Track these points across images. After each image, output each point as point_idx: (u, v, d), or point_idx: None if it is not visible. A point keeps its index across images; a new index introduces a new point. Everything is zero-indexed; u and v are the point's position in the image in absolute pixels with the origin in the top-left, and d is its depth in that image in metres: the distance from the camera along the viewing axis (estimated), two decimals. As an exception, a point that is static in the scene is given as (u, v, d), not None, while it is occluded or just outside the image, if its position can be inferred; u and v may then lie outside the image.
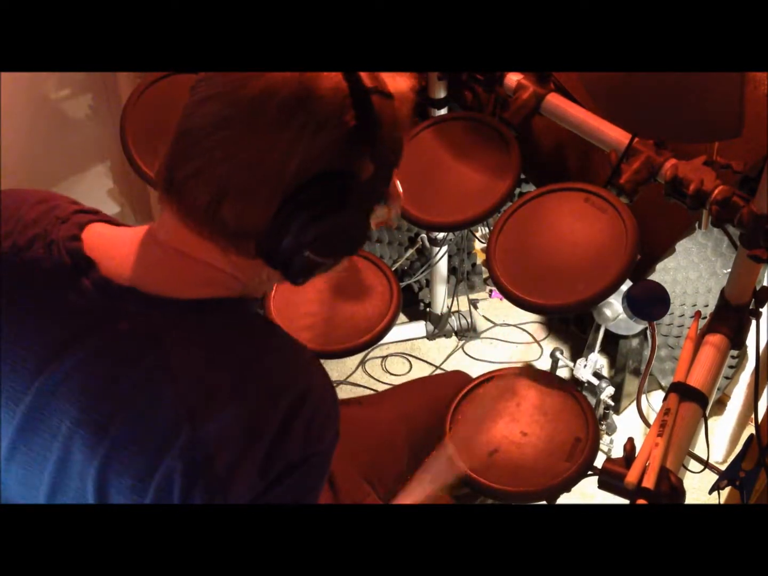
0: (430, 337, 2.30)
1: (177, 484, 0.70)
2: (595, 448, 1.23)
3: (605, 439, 1.94)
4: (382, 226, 2.09)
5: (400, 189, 0.82)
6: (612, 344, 2.07)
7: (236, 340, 0.76)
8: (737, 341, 1.32)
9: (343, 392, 2.12)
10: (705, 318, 1.39)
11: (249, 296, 0.80)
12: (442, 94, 1.72)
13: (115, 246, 0.78)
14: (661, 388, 2.06)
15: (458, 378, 1.43)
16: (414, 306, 2.34)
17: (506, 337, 2.29)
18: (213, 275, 0.77)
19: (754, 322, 1.31)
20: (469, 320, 2.28)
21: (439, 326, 2.28)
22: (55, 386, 0.75)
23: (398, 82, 0.75)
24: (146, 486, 0.72)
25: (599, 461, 1.20)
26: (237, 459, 0.71)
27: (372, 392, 2.11)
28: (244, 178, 0.70)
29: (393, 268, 1.57)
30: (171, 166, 0.73)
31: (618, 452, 1.19)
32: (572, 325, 2.26)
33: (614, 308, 1.85)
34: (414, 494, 1.05)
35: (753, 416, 1.32)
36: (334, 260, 0.79)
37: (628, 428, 2.02)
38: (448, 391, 1.36)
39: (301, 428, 0.73)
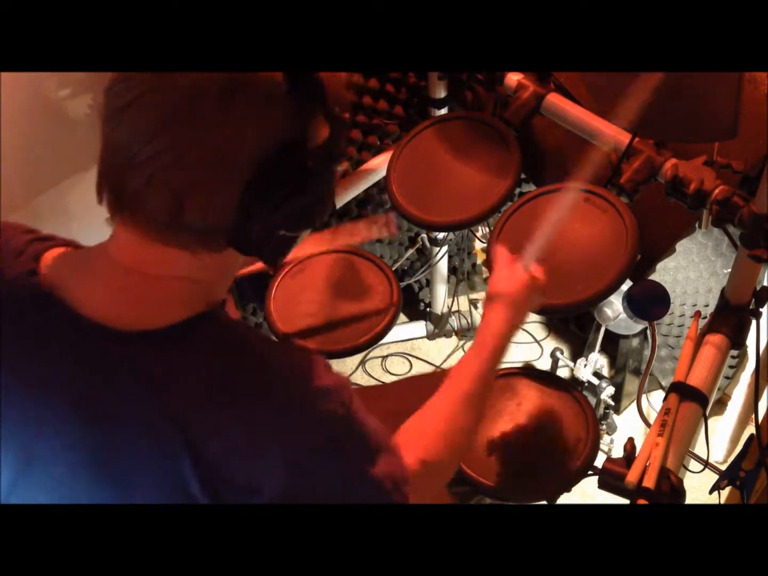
0: (430, 337, 2.30)
1: (200, 496, 0.70)
2: (595, 448, 1.24)
3: (605, 439, 1.94)
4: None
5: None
6: (612, 344, 2.07)
7: (218, 358, 0.73)
8: (737, 341, 1.32)
9: (344, 392, 2.12)
10: (705, 318, 1.39)
11: (214, 302, 0.77)
12: (442, 93, 1.72)
13: (76, 275, 0.75)
14: (662, 387, 2.06)
15: None
16: (414, 306, 2.34)
17: (506, 337, 2.28)
18: (180, 290, 0.74)
19: (754, 322, 1.31)
20: (469, 320, 2.28)
21: (439, 326, 2.28)
22: (47, 427, 0.73)
23: None
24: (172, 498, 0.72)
25: (599, 461, 1.20)
26: (251, 469, 0.70)
27: (372, 392, 2.11)
28: (200, 174, 0.68)
29: (393, 268, 1.57)
30: (115, 181, 0.69)
31: (618, 452, 1.19)
32: (572, 325, 2.26)
33: (614, 308, 1.85)
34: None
35: (753, 416, 1.32)
36: (308, 231, 0.77)
37: (629, 428, 2.02)
38: None
39: (311, 412, 0.72)
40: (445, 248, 2.01)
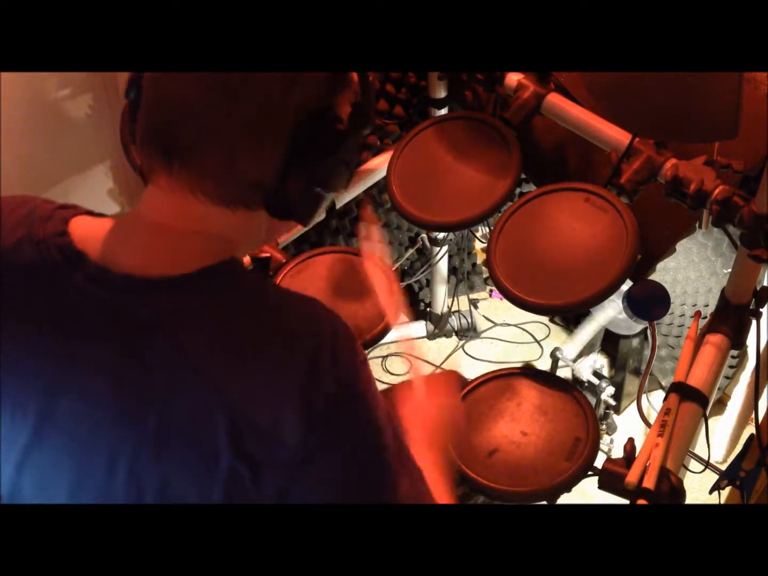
0: (431, 337, 2.30)
1: (226, 457, 0.70)
2: (595, 448, 1.23)
3: (605, 439, 1.94)
4: (383, 227, 2.10)
5: None
6: (612, 344, 2.07)
7: (240, 303, 0.76)
8: (737, 341, 1.32)
9: (344, 392, 2.12)
10: (705, 318, 1.39)
11: (238, 254, 0.81)
12: (442, 93, 1.72)
13: (104, 236, 0.77)
14: (662, 387, 2.06)
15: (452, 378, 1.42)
16: (414, 306, 2.34)
17: (506, 337, 2.29)
18: (209, 244, 0.77)
19: (754, 322, 1.31)
20: (469, 320, 2.28)
21: (439, 326, 2.28)
22: (71, 386, 0.74)
23: None
24: (204, 473, 0.72)
25: (599, 461, 1.20)
26: (277, 412, 0.71)
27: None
28: (255, 123, 0.71)
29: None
30: (167, 135, 0.72)
31: (618, 452, 1.19)
32: (572, 325, 2.26)
33: (608, 312, 1.85)
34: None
35: (753, 416, 1.32)
36: (335, 193, 0.81)
37: (629, 428, 2.02)
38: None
39: (327, 359, 0.73)
40: (445, 248, 2.01)
